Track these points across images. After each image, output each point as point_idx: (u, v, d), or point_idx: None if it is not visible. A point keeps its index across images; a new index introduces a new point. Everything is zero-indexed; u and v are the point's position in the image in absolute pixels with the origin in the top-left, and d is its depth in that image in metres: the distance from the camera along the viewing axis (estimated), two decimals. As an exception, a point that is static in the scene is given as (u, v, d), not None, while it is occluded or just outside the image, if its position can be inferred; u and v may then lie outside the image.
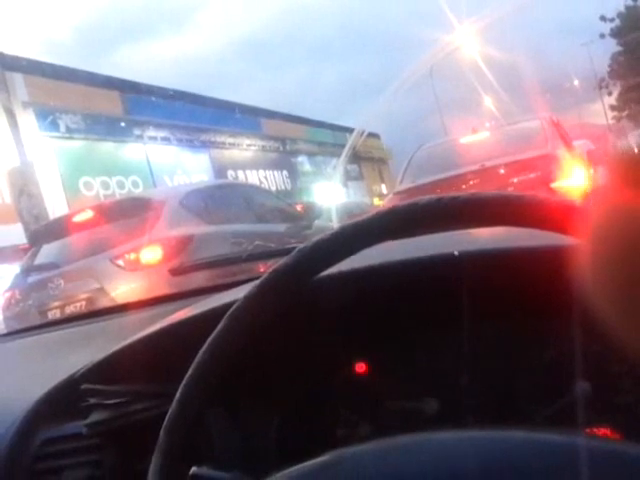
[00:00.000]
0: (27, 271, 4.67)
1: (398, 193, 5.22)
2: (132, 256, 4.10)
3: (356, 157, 23.86)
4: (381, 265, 0.66)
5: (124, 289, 4.02)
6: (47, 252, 4.67)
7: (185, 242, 4.12)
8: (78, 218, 4.57)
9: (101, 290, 4.08)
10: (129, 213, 4.40)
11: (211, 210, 4.79)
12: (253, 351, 0.55)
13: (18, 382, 0.89)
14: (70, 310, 4.08)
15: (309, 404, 0.74)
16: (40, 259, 4.65)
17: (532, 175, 4.54)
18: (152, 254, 4.07)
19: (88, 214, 4.56)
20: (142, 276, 3.97)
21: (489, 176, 4.61)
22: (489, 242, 0.68)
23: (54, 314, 4.11)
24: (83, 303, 4.11)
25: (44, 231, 5.02)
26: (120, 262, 4.11)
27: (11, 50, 13.15)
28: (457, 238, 0.71)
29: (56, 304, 4.23)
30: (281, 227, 4.98)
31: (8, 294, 4.66)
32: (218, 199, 5.06)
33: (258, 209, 5.31)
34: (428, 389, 0.71)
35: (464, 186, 4.66)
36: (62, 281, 4.26)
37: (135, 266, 4.07)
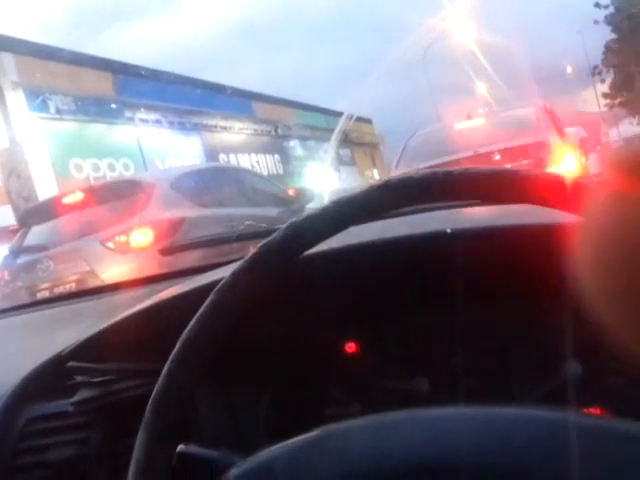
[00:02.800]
0: (16, 252, 4.63)
1: None
2: (122, 238, 4.07)
3: (348, 142, 23.81)
4: (373, 242, 0.65)
5: (114, 271, 4.00)
6: (37, 233, 4.64)
7: (176, 225, 4.09)
8: (68, 200, 4.52)
9: (91, 272, 4.07)
10: (120, 195, 4.35)
11: (202, 193, 4.75)
12: (242, 329, 0.54)
13: (4, 360, 0.88)
14: (59, 292, 4.06)
15: (299, 383, 0.74)
16: (30, 240, 4.62)
17: (525, 161, 4.65)
18: (143, 236, 4.04)
19: (78, 196, 4.50)
20: (132, 258, 3.94)
21: (483, 162, 4.71)
22: (482, 220, 0.67)
23: (43, 295, 4.07)
24: (73, 285, 4.09)
25: (34, 212, 4.99)
26: (110, 244, 4.08)
27: (1, 30, 12.98)
28: (450, 216, 0.70)
29: (45, 285, 4.21)
30: (273, 211, 4.91)
31: None
32: (209, 182, 5.02)
33: (250, 193, 5.27)
34: (419, 369, 0.71)
35: None
36: (52, 263, 4.23)
37: (125, 248, 4.05)
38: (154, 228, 4.05)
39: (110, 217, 4.22)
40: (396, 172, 5.38)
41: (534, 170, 0.42)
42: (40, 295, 4.10)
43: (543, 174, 0.41)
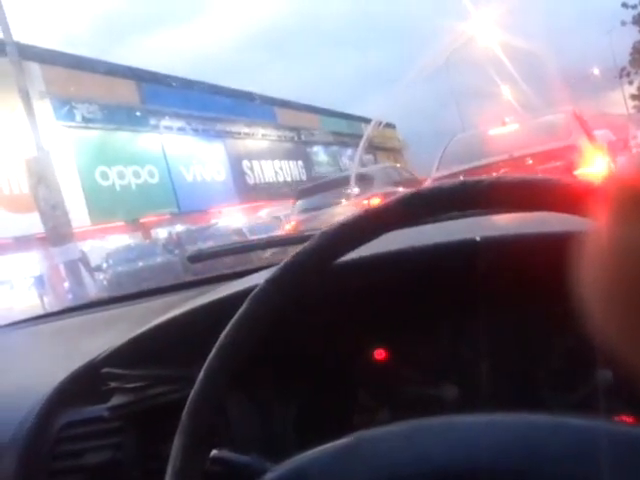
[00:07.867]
0: (301, 210, 8.52)
1: (436, 179, 5.63)
2: (365, 202, 7.21)
3: (371, 147, 23.78)
4: (403, 250, 0.66)
5: None
6: (311, 200, 8.61)
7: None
8: (314, 186, 9.51)
9: None
10: (340, 184, 8.93)
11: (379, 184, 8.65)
12: (273, 336, 0.55)
13: (40, 366, 0.90)
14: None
15: (328, 389, 0.74)
16: (308, 204, 8.53)
17: (557, 164, 4.89)
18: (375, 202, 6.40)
19: (317, 186, 9.39)
20: None
21: (517, 165, 5.02)
22: (511, 227, 0.67)
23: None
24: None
25: (305, 190, 9.28)
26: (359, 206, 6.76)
27: (27, 40, 13.22)
28: (479, 223, 0.71)
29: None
30: None
31: (293, 222, 8.31)
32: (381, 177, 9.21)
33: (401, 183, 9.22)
34: (448, 376, 0.71)
35: (494, 174, 5.05)
36: (325, 216, 7.41)
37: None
38: (381, 198, 6.64)
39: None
40: (437, 174, 5.80)
41: (565, 178, 0.42)
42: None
43: (573, 182, 0.41)
